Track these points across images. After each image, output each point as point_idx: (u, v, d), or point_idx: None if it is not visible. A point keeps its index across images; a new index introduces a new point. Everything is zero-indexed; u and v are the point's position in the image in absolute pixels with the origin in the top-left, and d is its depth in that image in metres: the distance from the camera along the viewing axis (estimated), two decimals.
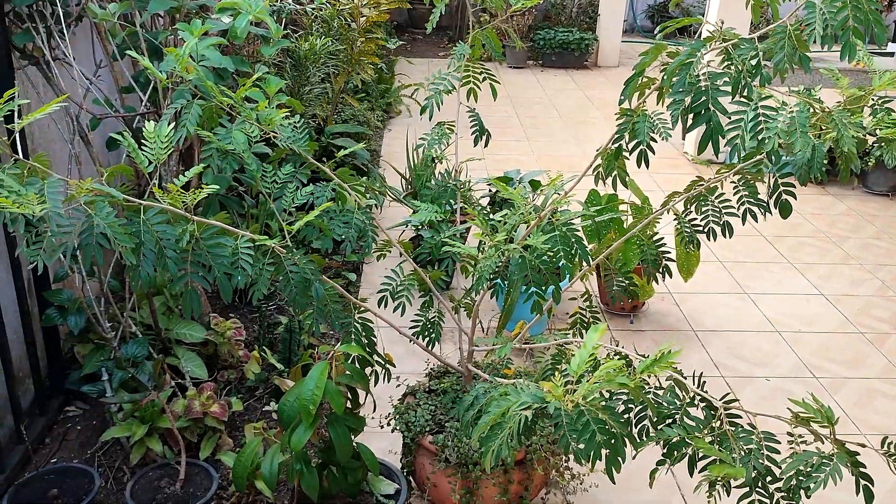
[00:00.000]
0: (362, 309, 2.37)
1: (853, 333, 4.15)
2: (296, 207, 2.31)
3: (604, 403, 1.43)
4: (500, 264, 2.31)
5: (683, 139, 6.82)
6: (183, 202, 1.87)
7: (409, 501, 2.72)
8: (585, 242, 3.24)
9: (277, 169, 2.35)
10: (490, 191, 4.47)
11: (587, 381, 1.36)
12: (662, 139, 2.12)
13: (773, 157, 1.86)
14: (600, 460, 1.48)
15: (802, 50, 1.86)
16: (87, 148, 3.09)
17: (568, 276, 2.34)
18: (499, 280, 2.34)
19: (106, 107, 2.98)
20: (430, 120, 2.82)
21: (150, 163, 1.91)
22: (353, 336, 2.30)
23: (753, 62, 1.90)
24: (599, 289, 4.30)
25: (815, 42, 1.79)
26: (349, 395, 2.31)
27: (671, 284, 4.52)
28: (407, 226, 4.39)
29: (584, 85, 9.51)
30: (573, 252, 2.19)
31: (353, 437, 2.33)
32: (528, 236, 2.20)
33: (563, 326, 3.41)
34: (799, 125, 1.82)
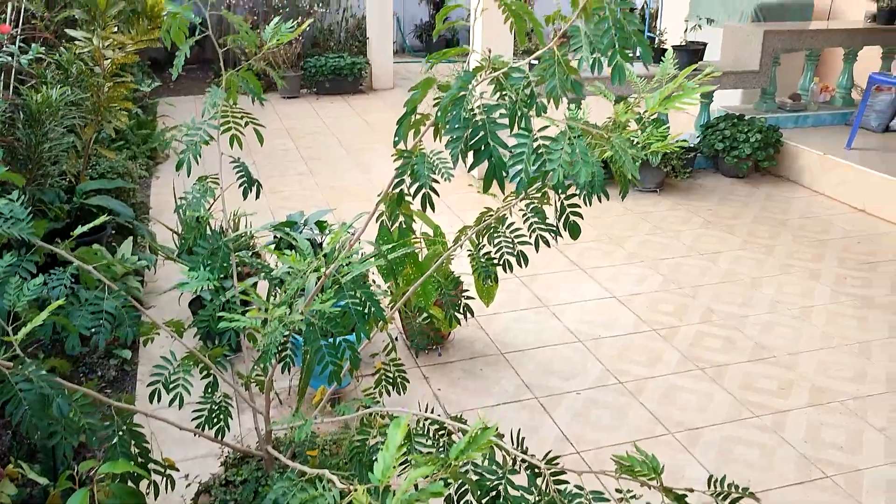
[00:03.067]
0: (126, 414, 1.99)
1: (647, 332, 4.31)
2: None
3: None
4: (286, 336, 2.05)
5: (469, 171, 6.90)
6: None
7: None
8: (381, 289, 3.01)
9: None
10: (274, 236, 4.15)
11: (393, 494, 1.14)
12: (445, 180, 1.96)
13: (559, 189, 1.76)
14: None
15: (573, 74, 1.77)
16: None
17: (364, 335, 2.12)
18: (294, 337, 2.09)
19: None
20: (188, 176, 2.50)
21: None
22: (118, 450, 1.91)
23: (528, 91, 1.79)
24: (404, 329, 4.11)
25: (584, 66, 1.71)
26: None
27: (474, 308, 4.45)
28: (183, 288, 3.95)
29: (361, 110, 9.39)
30: (366, 312, 1.96)
31: None
32: (316, 297, 1.95)
33: (371, 373, 3.18)
34: (581, 154, 1.73)
